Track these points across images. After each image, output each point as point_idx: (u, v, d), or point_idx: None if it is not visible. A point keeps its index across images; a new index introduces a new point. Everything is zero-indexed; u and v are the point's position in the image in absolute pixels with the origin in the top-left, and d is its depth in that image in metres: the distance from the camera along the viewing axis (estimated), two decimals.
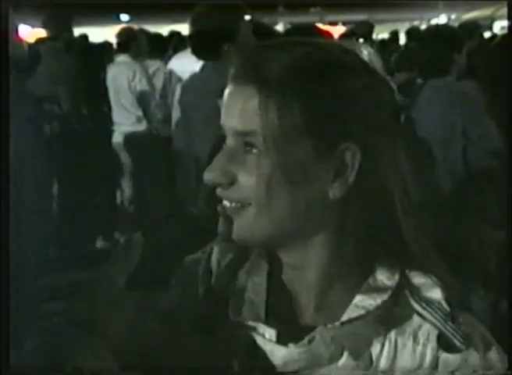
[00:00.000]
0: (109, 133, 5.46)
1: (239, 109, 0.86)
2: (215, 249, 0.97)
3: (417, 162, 3.45)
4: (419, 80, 3.34)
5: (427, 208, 3.38)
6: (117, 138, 5.44)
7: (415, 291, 0.90)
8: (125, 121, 5.38)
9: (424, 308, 0.89)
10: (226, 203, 0.89)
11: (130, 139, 5.35)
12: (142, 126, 5.35)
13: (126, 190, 5.68)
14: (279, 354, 0.87)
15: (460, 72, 3.34)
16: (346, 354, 0.87)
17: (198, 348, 0.89)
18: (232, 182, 0.87)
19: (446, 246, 3.32)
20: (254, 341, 0.88)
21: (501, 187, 2.81)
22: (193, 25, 2.86)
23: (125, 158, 5.46)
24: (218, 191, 0.89)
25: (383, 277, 0.90)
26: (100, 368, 0.93)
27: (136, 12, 19.56)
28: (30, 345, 1.00)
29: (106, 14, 19.14)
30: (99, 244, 5.56)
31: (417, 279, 0.91)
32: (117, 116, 5.42)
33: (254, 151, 0.85)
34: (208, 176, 0.88)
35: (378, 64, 6.27)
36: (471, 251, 3.21)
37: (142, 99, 5.31)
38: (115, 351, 0.93)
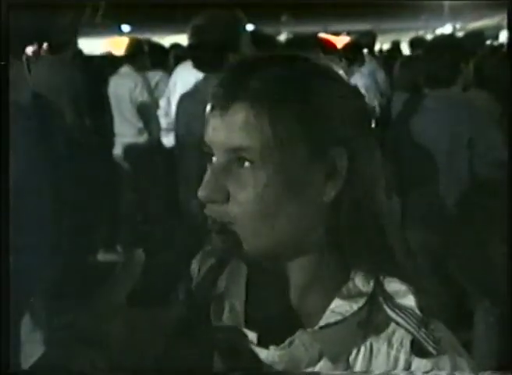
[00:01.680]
0: (111, 144, 5.45)
1: (229, 125, 0.87)
2: (198, 253, 0.98)
3: (423, 173, 3.41)
4: (425, 90, 3.31)
5: (432, 219, 3.33)
6: (118, 150, 5.43)
7: (389, 298, 0.92)
8: (126, 132, 5.38)
9: (398, 315, 0.91)
10: (222, 220, 0.89)
11: (131, 150, 5.35)
12: (143, 138, 5.34)
13: (127, 201, 5.66)
14: (260, 356, 0.90)
15: (466, 82, 3.31)
16: (324, 357, 0.90)
17: (180, 354, 0.90)
18: (227, 198, 0.88)
19: (451, 258, 3.26)
20: (236, 345, 0.91)
21: (507, 198, 2.77)
22: (192, 38, 2.85)
23: (126, 169, 5.44)
24: (209, 209, 0.89)
25: (359, 284, 0.93)
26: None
27: (137, 23, 19.64)
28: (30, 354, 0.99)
29: (107, 25, 19.19)
30: (101, 256, 5.54)
31: (392, 286, 0.93)
32: (119, 127, 5.41)
33: (247, 164, 0.86)
34: (203, 193, 0.89)
35: (380, 74, 6.24)
36: (476, 264, 3.18)
37: (143, 111, 5.32)
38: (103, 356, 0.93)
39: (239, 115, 0.86)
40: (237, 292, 0.95)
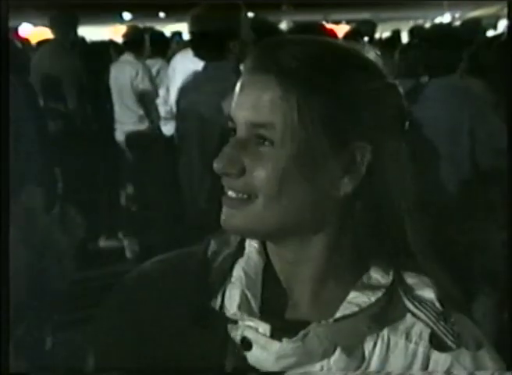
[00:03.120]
0: (112, 132, 5.46)
1: (255, 101, 0.85)
2: (212, 242, 0.97)
3: (424, 162, 3.44)
4: (424, 79, 3.32)
5: (433, 208, 3.37)
6: (119, 137, 5.44)
7: (408, 290, 0.91)
8: (127, 120, 5.39)
9: (417, 308, 0.90)
10: (232, 194, 0.88)
11: (132, 138, 5.35)
12: (144, 125, 5.35)
13: (128, 188, 5.68)
14: (272, 349, 0.88)
15: (465, 70, 3.32)
16: (338, 350, 0.88)
17: (193, 343, 0.90)
18: (242, 173, 0.86)
19: (452, 246, 3.30)
20: (248, 337, 0.89)
21: (507, 186, 2.80)
22: (193, 26, 2.85)
23: (127, 156, 5.46)
24: (225, 180, 0.88)
25: (377, 275, 0.91)
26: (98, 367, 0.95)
27: (138, 11, 19.58)
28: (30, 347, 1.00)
29: (109, 13, 19.15)
30: (102, 243, 5.57)
31: (411, 278, 0.92)
32: (120, 114, 5.42)
33: (267, 143, 0.85)
34: (219, 164, 0.87)
35: (381, 63, 6.26)
36: (477, 251, 3.20)
37: (144, 98, 5.32)
38: (107, 349, 0.95)
39: (266, 90, 0.84)
40: (253, 282, 0.92)
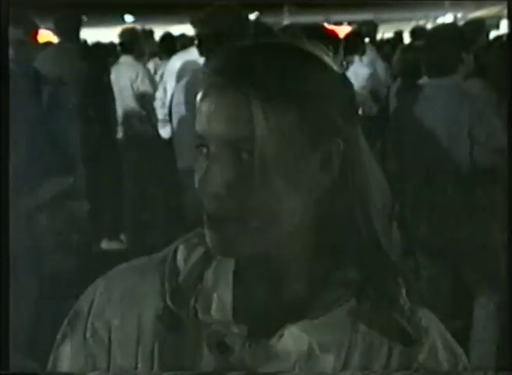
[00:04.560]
0: (113, 133, 5.46)
1: (227, 116, 0.84)
2: (181, 248, 0.96)
3: (423, 161, 3.42)
4: (425, 79, 3.33)
5: (433, 207, 3.35)
6: (121, 138, 5.45)
7: (378, 286, 0.91)
8: (128, 121, 5.39)
9: (387, 303, 0.91)
10: (220, 212, 0.86)
11: (133, 139, 5.36)
12: (145, 127, 5.35)
13: (129, 190, 5.69)
14: (249, 350, 0.88)
15: (467, 71, 3.32)
16: (315, 349, 0.88)
17: (168, 348, 0.90)
18: (227, 191, 0.85)
19: (452, 246, 3.30)
20: (225, 339, 0.89)
21: (507, 185, 2.80)
22: (196, 29, 2.86)
23: (128, 157, 5.46)
24: (211, 203, 0.86)
25: (349, 272, 0.92)
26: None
27: (140, 13, 19.61)
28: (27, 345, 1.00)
29: (111, 15, 19.18)
30: (104, 245, 5.57)
31: (379, 274, 0.92)
32: (121, 116, 5.42)
33: (245, 156, 0.84)
34: (204, 186, 0.86)
35: (380, 64, 6.26)
36: (477, 251, 3.20)
37: (144, 100, 5.32)
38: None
39: (235, 104, 0.83)
40: (225, 285, 0.91)
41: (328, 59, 0.89)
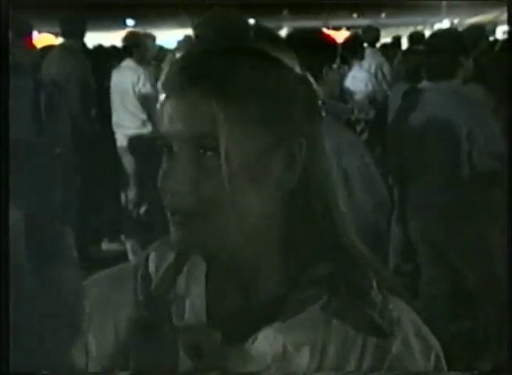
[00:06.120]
0: (115, 136, 5.49)
1: (188, 114, 0.85)
2: (152, 255, 0.96)
3: (422, 165, 3.43)
4: (425, 83, 3.35)
5: (432, 211, 3.35)
6: (122, 141, 5.47)
7: (348, 280, 0.92)
8: (130, 124, 5.42)
9: (355, 297, 0.91)
10: (182, 208, 0.87)
11: (135, 142, 5.38)
12: (147, 130, 5.38)
13: (130, 191, 5.70)
14: (224, 355, 0.88)
15: (466, 76, 3.34)
16: (289, 349, 0.88)
17: (144, 356, 0.91)
18: (191, 188, 0.85)
19: (452, 248, 3.31)
20: (200, 344, 0.89)
21: (506, 189, 2.82)
22: (195, 33, 2.88)
23: (129, 160, 5.49)
24: (172, 201, 0.87)
25: (319, 270, 0.91)
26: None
27: (142, 17, 19.63)
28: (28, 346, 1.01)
29: (112, 19, 19.20)
30: (105, 246, 5.59)
31: (349, 269, 0.92)
32: (122, 119, 5.45)
33: (209, 153, 0.85)
34: (166, 184, 0.86)
35: (380, 68, 6.30)
36: (477, 253, 3.22)
37: (146, 103, 5.35)
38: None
39: (196, 103, 0.84)
40: (197, 290, 0.91)
41: (289, 61, 0.90)
